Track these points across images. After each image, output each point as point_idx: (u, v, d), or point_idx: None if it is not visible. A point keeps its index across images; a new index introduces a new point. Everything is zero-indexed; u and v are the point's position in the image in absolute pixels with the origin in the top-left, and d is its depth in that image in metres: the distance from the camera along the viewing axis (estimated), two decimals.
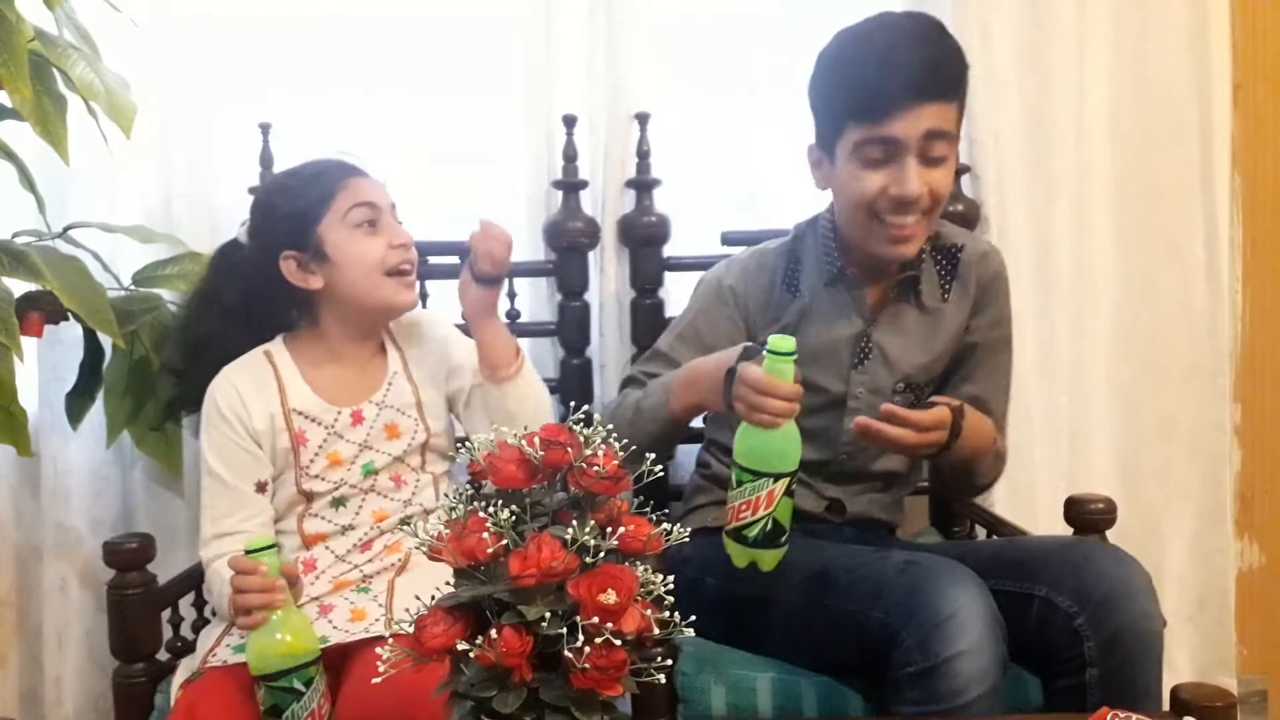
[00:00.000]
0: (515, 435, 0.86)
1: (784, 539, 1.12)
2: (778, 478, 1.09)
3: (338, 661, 1.19)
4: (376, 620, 1.21)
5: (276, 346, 1.38)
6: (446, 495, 1.10)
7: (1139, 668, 1.12)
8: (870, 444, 1.24)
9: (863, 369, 1.35)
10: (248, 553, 1.08)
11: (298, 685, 1.07)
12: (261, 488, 1.32)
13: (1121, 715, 0.96)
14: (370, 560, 1.32)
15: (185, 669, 1.23)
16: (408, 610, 0.83)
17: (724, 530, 1.14)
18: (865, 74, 1.22)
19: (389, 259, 1.33)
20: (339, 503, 1.33)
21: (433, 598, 0.83)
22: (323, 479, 1.32)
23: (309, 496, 1.33)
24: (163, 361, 1.50)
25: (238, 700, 1.12)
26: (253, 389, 1.33)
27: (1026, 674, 1.20)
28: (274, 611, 1.08)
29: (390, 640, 0.83)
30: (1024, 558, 1.22)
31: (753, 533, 1.11)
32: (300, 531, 1.33)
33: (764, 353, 1.11)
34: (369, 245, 1.33)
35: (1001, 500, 1.70)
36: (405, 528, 1.27)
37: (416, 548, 0.85)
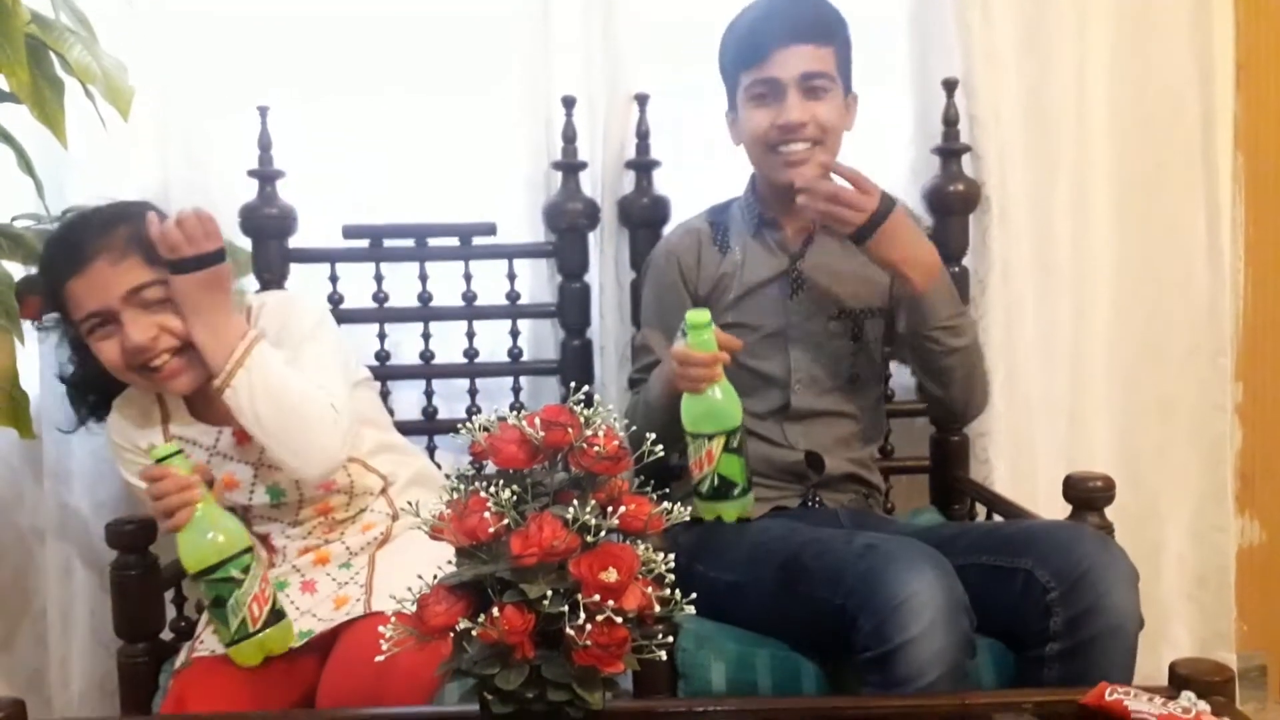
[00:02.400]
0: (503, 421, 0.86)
1: (737, 492, 1.27)
2: (712, 436, 1.24)
3: (325, 641, 1.21)
4: (357, 601, 1.22)
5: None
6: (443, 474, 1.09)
7: (1103, 654, 1.12)
8: (813, 200, 1.33)
9: (796, 300, 1.46)
10: (156, 461, 1.10)
11: (234, 573, 1.09)
12: None
13: (1120, 690, 0.96)
14: (344, 540, 1.32)
15: (185, 654, 1.24)
16: (409, 589, 0.83)
17: (692, 493, 1.28)
18: (749, 26, 1.43)
19: (131, 360, 1.21)
20: (276, 505, 1.31)
21: (420, 577, 0.83)
22: (226, 503, 1.27)
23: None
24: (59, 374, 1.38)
25: (227, 688, 1.14)
26: (138, 418, 1.30)
27: (1007, 650, 1.21)
28: (195, 508, 1.10)
29: (392, 618, 0.83)
30: (1016, 534, 1.24)
31: (704, 488, 1.27)
32: (253, 532, 1.31)
33: (687, 329, 1.24)
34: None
35: (1002, 479, 1.71)
36: (406, 509, 1.28)
37: (419, 526, 0.85)
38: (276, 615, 1.13)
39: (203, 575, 1.09)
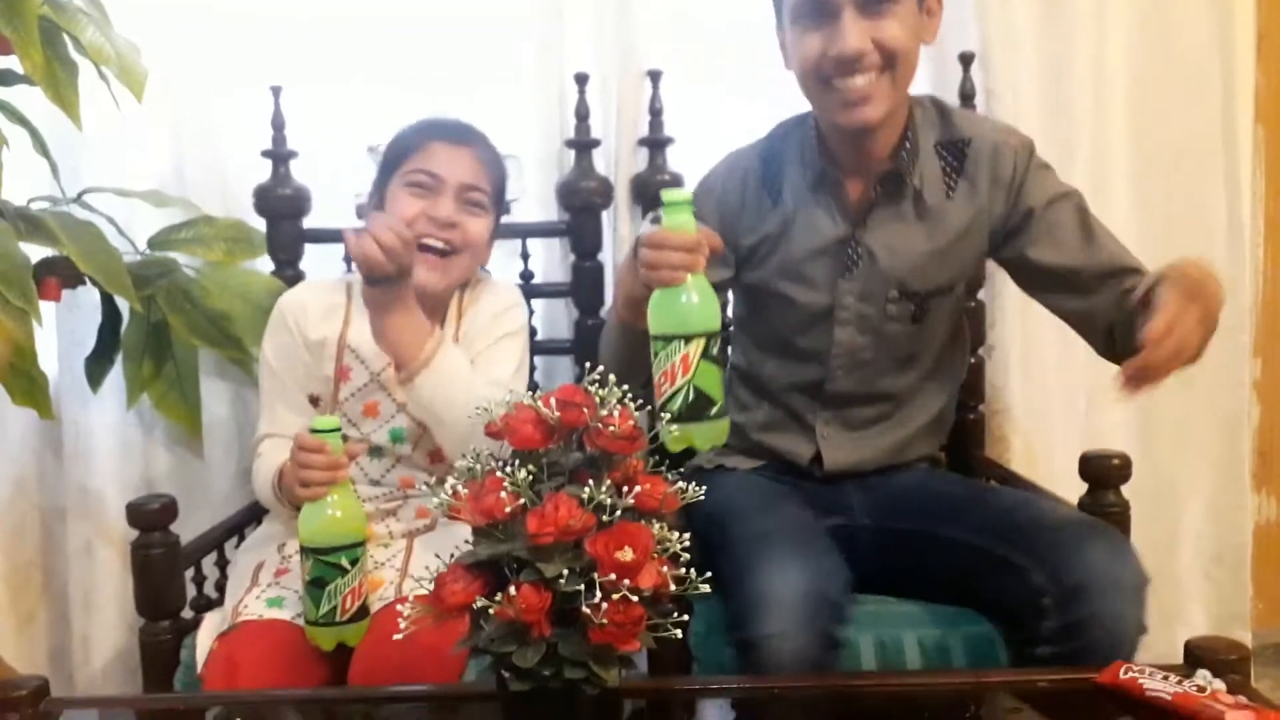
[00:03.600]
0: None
1: (714, 411, 1.00)
2: (689, 338, 0.98)
3: None
4: (390, 585, 1.24)
5: (361, 283, 1.30)
6: None
7: (1095, 663, 1.06)
8: (1145, 384, 1.02)
9: (850, 276, 1.26)
10: (314, 431, 1.13)
11: (344, 562, 1.11)
12: (314, 401, 1.35)
13: (1135, 668, 0.96)
14: (398, 520, 1.34)
15: (212, 622, 1.25)
16: (427, 568, 0.84)
17: (658, 416, 1.01)
18: None
19: (416, 226, 1.28)
20: (375, 452, 1.34)
21: (451, 555, 0.84)
22: (355, 425, 1.33)
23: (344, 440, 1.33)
24: None
25: (276, 651, 1.15)
26: (320, 308, 1.35)
27: (1000, 642, 1.21)
28: (332, 490, 1.12)
29: (410, 599, 0.84)
30: (1022, 524, 1.19)
31: (675, 405, 0.99)
32: None
33: (661, 210, 1.04)
34: (407, 201, 1.31)
35: (1019, 457, 1.71)
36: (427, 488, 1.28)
37: (436, 507, 0.85)
38: (362, 611, 1.14)
39: (314, 552, 1.11)
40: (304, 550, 1.11)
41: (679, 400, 0.99)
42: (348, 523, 1.12)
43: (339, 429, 1.15)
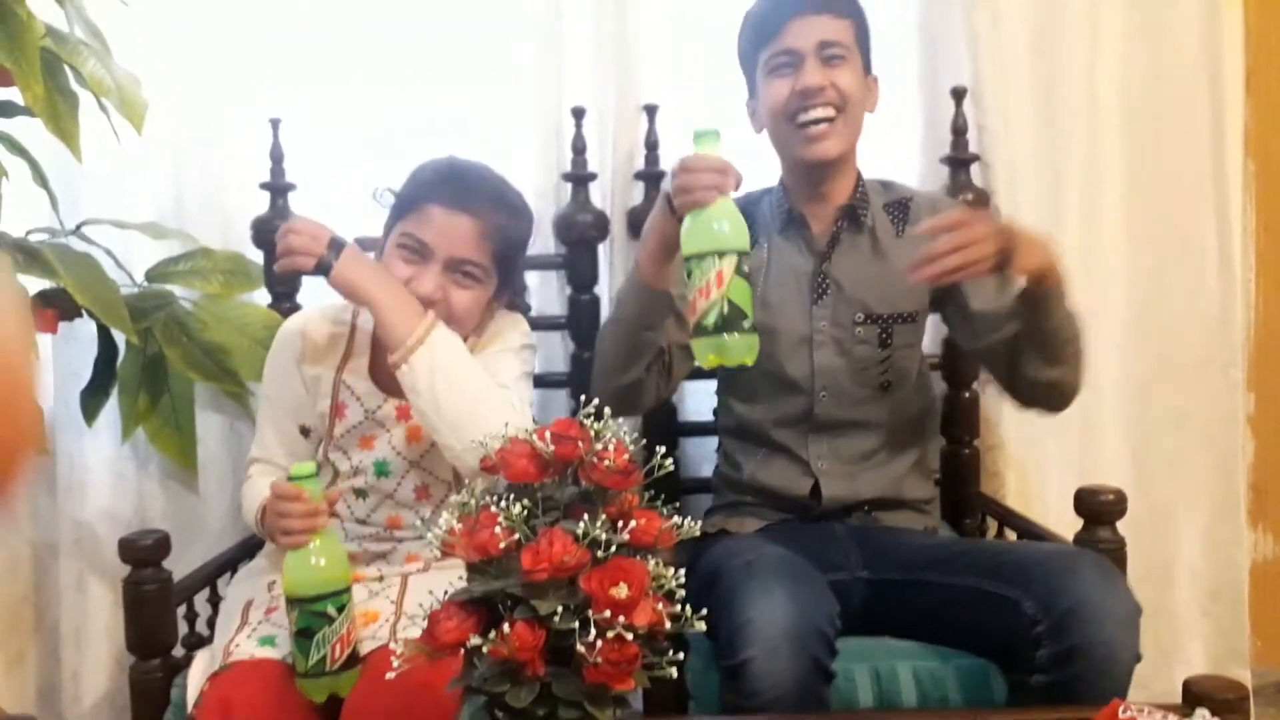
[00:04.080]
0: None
1: (747, 325, 1.09)
2: (723, 254, 1.08)
3: None
4: (386, 621, 1.22)
5: (368, 316, 1.29)
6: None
7: (1089, 690, 1.09)
8: (931, 272, 1.18)
9: (822, 303, 1.41)
10: (291, 479, 1.11)
11: (330, 610, 1.09)
12: (305, 432, 1.35)
13: (1134, 707, 0.95)
14: (389, 563, 1.33)
15: (203, 660, 1.24)
16: (421, 605, 0.83)
17: (691, 336, 1.12)
18: (766, 3, 1.41)
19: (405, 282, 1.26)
20: (360, 494, 1.33)
21: (445, 593, 0.83)
22: (346, 455, 1.32)
23: (335, 473, 1.33)
24: None
25: (268, 692, 1.14)
26: (322, 340, 1.35)
27: (995, 672, 1.22)
28: (314, 537, 1.10)
29: (402, 642, 0.83)
30: (1012, 559, 1.22)
31: (710, 319, 1.08)
32: None
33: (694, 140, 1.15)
34: (396, 265, 1.27)
35: (1013, 492, 1.70)
36: (422, 529, 1.27)
37: (430, 543, 0.85)
38: (353, 659, 1.12)
39: (299, 602, 1.09)
40: (289, 601, 1.10)
41: (714, 313, 1.08)
42: (331, 570, 1.10)
43: (315, 474, 1.12)
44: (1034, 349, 1.29)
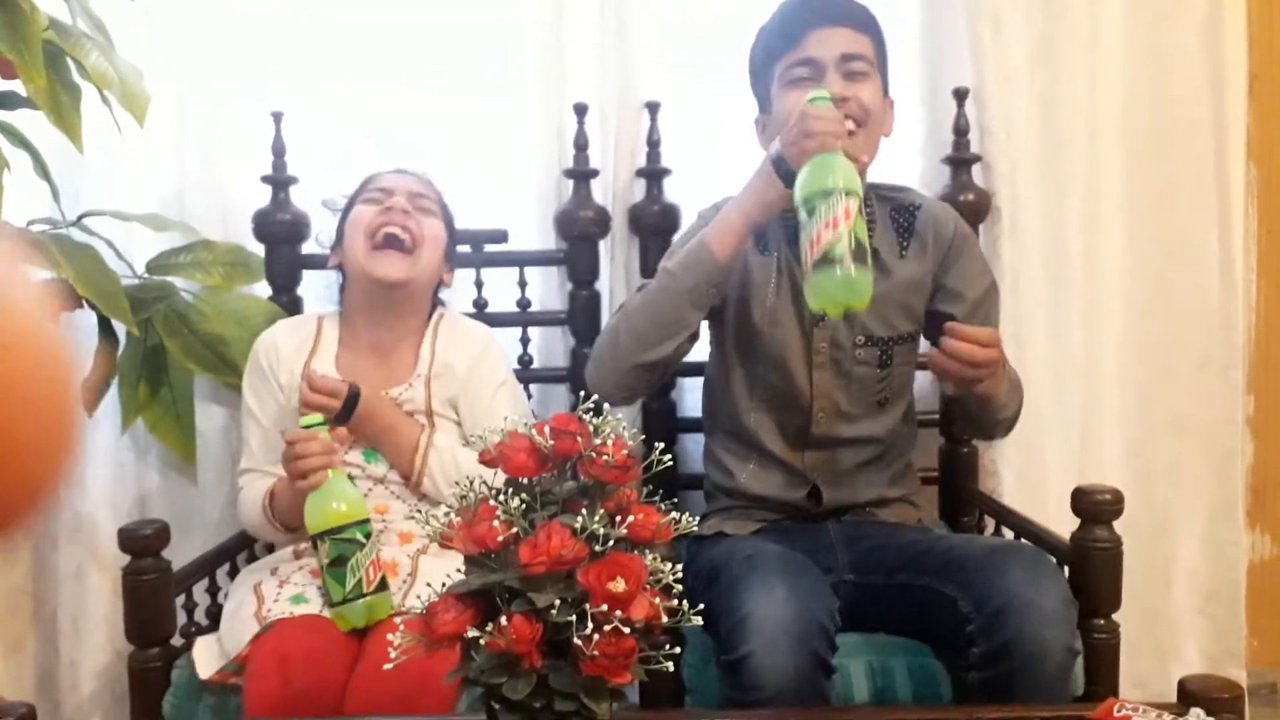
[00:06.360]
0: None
1: (869, 261, 1.11)
2: (849, 192, 1.11)
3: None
4: (399, 590, 1.26)
5: (332, 317, 1.47)
6: None
7: (1024, 686, 1.10)
8: (946, 377, 1.26)
9: (824, 324, 1.39)
10: (304, 428, 1.23)
11: (359, 536, 1.18)
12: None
13: (1129, 705, 0.96)
14: (387, 547, 1.33)
15: (204, 644, 1.27)
16: (429, 584, 0.84)
17: (806, 278, 1.13)
18: (783, 15, 1.39)
19: (373, 222, 1.38)
20: (349, 479, 1.34)
21: (443, 585, 0.84)
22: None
23: None
24: None
25: (315, 639, 1.17)
26: (291, 346, 1.43)
27: (940, 669, 1.23)
28: (332, 473, 1.22)
29: (401, 626, 0.84)
30: (954, 558, 1.23)
31: (838, 249, 1.09)
32: None
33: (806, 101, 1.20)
34: (363, 212, 1.40)
35: (1011, 493, 1.70)
36: (415, 517, 1.29)
37: (428, 535, 0.86)
38: (384, 583, 1.20)
39: (328, 534, 1.17)
40: (317, 539, 1.17)
41: (842, 245, 1.09)
42: (352, 500, 1.20)
43: (325, 423, 1.24)
44: (971, 423, 1.46)
